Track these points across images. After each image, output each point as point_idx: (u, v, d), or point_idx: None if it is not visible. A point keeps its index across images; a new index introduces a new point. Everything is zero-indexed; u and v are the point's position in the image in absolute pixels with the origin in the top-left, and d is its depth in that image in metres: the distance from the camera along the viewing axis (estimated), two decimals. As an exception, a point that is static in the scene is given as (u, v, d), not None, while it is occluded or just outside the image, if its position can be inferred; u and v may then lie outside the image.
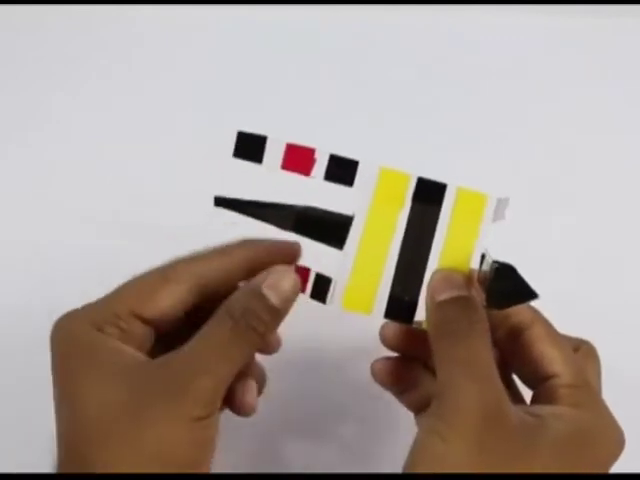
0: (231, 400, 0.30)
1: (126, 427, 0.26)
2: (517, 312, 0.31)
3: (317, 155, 0.30)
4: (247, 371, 0.31)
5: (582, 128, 0.52)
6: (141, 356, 0.29)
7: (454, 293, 0.28)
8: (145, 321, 0.29)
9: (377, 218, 0.29)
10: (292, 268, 0.29)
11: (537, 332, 0.30)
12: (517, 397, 0.32)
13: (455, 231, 0.29)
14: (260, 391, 0.33)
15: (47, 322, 0.29)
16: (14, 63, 0.53)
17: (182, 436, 0.26)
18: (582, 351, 0.31)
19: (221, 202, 0.30)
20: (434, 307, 0.28)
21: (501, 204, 0.30)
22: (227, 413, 0.31)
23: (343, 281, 0.30)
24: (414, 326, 0.30)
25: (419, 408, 0.32)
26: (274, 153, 0.30)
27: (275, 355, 0.34)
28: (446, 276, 0.28)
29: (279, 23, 0.55)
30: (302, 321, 0.34)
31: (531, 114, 0.52)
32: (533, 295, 0.27)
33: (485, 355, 0.27)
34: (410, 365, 0.32)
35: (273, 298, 0.28)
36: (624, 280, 0.46)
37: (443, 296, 0.28)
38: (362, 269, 0.30)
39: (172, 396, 0.26)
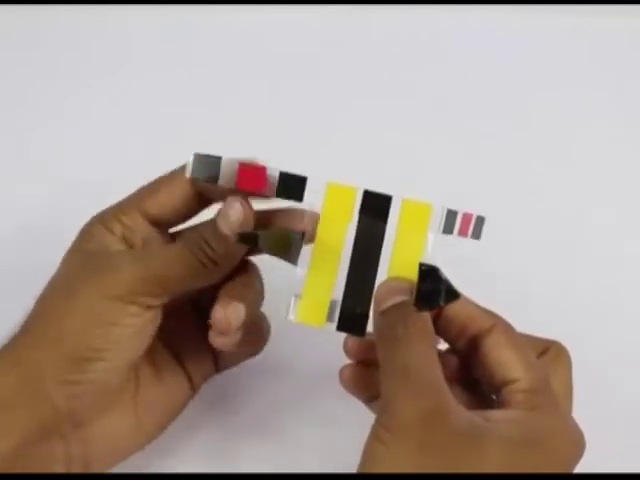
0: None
1: (61, 295, 0.30)
2: (476, 320, 0.30)
3: (268, 172, 0.30)
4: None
5: (582, 127, 0.51)
6: (121, 247, 0.31)
7: (395, 300, 0.28)
8: (147, 215, 0.31)
9: (327, 232, 0.30)
10: (239, 198, 0.30)
11: (495, 339, 0.29)
12: (487, 403, 0.31)
13: (403, 241, 0.29)
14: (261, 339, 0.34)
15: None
16: (14, 64, 0.55)
17: (98, 311, 0.29)
18: (550, 353, 0.31)
19: None
20: (377, 316, 0.28)
21: (479, 222, 0.30)
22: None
23: (297, 294, 0.30)
24: (367, 337, 0.30)
25: None
26: (229, 173, 0.30)
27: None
28: (390, 285, 0.29)
29: (279, 23, 0.56)
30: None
31: (530, 114, 0.52)
32: (455, 295, 0.27)
33: (420, 359, 0.27)
34: (376, 373, 0.32)
35: (222, 226, 0.29)
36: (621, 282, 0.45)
37: (385, 304, 0.28)
38: (314, 282, 0.30)
39: (98, 274, 0.29)
